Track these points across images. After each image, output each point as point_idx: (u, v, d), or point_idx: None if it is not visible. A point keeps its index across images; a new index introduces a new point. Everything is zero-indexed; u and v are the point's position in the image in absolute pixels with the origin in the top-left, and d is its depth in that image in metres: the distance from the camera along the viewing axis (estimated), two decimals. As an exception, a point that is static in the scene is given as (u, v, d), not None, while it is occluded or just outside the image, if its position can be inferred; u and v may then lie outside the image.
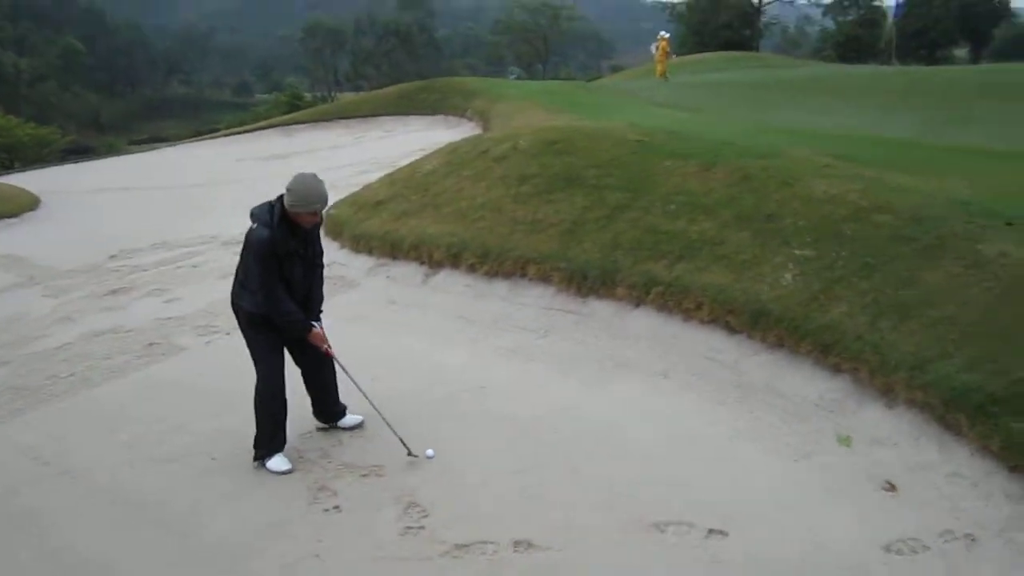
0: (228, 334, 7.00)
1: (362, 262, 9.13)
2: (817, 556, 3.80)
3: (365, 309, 8.05)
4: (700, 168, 7.99)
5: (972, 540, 3.73)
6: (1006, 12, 67.90)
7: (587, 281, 7.15)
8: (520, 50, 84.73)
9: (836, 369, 5.19)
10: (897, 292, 5.34)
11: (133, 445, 5.42)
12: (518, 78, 67.93)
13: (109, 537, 4.44)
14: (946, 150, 9.58)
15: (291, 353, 5.11)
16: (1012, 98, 18.95)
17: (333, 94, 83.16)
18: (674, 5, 73.82)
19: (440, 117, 24.93)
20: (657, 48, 29.16)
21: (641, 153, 8.73)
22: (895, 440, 4.56)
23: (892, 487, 4.22)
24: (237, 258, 4.97)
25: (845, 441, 4.72)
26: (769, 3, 70.47)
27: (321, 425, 5.44)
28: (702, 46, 65.73)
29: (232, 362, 5.80)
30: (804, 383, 5.33)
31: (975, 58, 68.85)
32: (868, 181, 7.04)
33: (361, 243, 9.34)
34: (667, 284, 6.56)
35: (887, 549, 3.77)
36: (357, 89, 72.58)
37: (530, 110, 17.14)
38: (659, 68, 28.50)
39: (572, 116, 14.26)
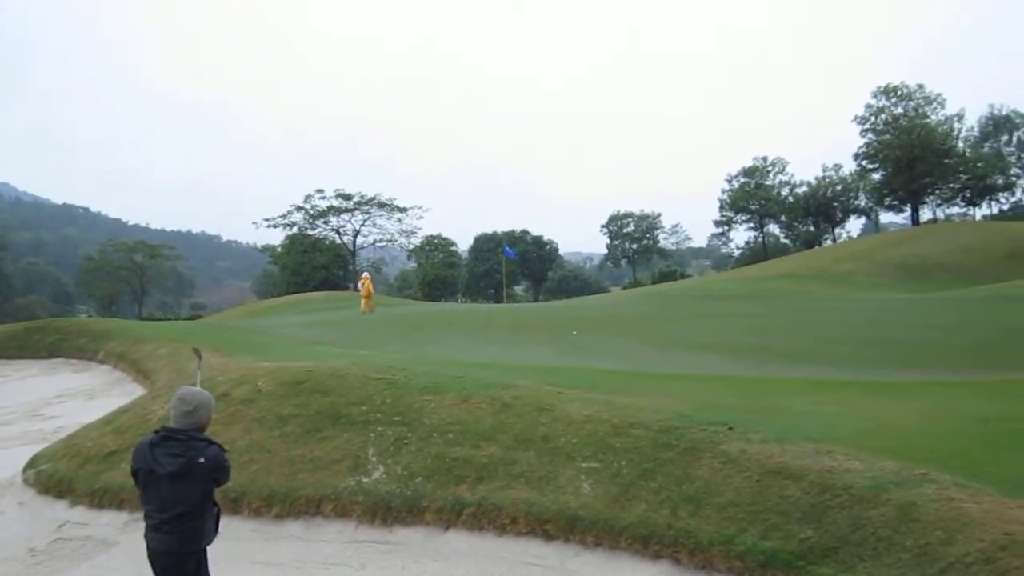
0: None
1: (111, 518, 8.53)
2: None
3: (136, 568, 7.52)
4: (459, 400, 9.08)
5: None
6: (557, 257, 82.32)
7: (391, 511, 7.65)
8: (108, 288, 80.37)
9: (656, 556, 6.37)
10: (681, 487, 6.79)
11: None
12: (88, 315, 64.76)
13: None
14: (632, 375, 11.84)
15: None
16: (602, 329, 23.23)
17: None
18: (273, 247, 76.74)
19: (60, 360, 23.40)
20: (362, 286, 32.72)
21: (395, 390, 9.60)
22: (729, 602, 5.80)
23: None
24: None
25: (690, 612, 5.84)
26: (362, 247, 76.63)
27: None
28: (299, 285, 68.68)
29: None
30: (632, 572, 6.41)
31: (536, 295, 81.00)
32: (604, 404, 8.67)
33: (105, 498, 8.74)
34: (476, 504, 7.36)
35: None
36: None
37: (204, 352, 16.89)
38: (364, 303, 32.13)
39: (256, 358, 14.50)
